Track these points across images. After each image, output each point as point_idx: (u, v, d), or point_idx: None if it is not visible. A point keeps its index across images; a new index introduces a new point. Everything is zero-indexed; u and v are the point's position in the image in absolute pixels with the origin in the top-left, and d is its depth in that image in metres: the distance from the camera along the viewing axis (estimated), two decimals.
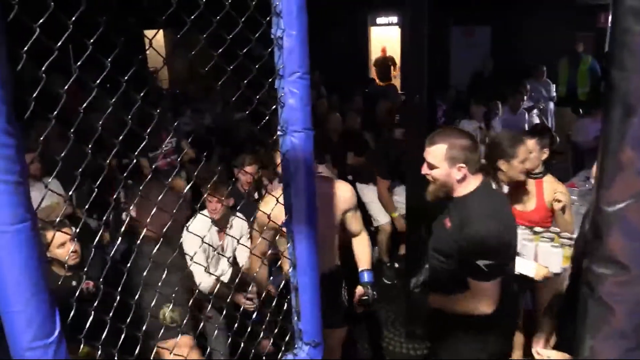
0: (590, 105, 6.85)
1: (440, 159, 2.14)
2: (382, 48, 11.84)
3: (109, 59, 1.06)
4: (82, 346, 1.38)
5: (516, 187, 3.12)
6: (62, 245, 2.62)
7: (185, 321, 1.80)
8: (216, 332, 2.97)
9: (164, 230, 1.36)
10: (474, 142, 2.18)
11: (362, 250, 2.95)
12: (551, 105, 8.10)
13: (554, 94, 8.26)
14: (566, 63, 8.79)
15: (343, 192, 2.84)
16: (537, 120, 7.10)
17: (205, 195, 2.93)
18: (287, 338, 1.66)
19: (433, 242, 2.37)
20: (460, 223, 2.13)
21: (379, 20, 12.34)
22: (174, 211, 1.45)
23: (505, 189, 3.09)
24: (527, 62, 8.60)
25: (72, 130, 1.03)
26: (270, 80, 1.36)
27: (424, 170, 2.22)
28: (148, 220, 1.28)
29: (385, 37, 12.36)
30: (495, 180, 2.92)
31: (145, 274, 1.31)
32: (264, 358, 1.59)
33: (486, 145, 3.10)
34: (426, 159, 2.20)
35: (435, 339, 2.52)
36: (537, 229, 3.00)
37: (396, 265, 5.03)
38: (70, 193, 1.29)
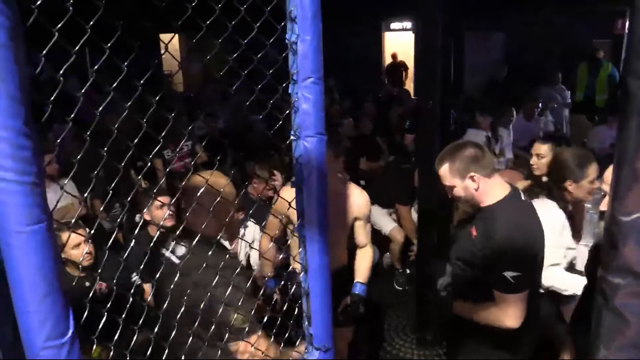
0: (607, 112, 6.79)
1: (450, 178, 2.16)
2: (393, 54, 11.78)
3: (126, 63, 1.07)
4: (94, 347, 1.39)
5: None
6: (77, 247, 2.66)
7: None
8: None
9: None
10: (475, 148, 2.17)
11: (361, 263, 2.91)
12: (566, 112, 8.03)
13: (569, 100, 8.18)
14: (585, 69, 8.72)
15: (358, 198, 2.83)
16: (551, 127, 7.04)
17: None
18: (297, 342, 1.66)
19: (457, 250, 2.34)
20: (486, 232, 2.10)
21: (393, 25, 12.35)
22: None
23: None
24: (542, 68, 8.55)
25: (88, 132, 1.04)
26: (284, 85, 1.37)
27: (449, 194, 2.24)
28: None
29: (399, 42, 12.36)
30: (562, 201, 2.77)
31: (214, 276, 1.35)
32: None
33: (550, 162, 2.92)
34: (443, 184, 2.22)
35: (454, 346, 2.49)
36: None
37: (407, 271, 5.02)
38: (85, 195, 1.30)
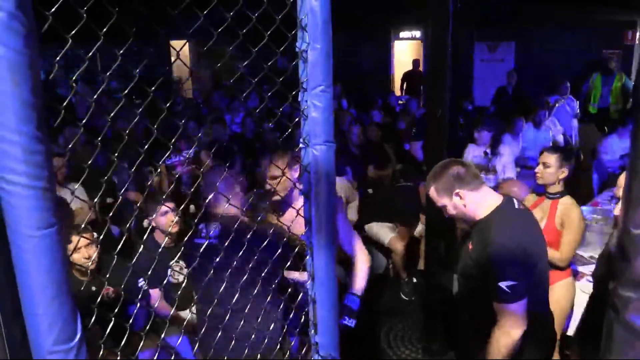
0: (618, 123, 6.75)
1: (439, 198, 2.23)
2: (414, 60, 11.49)
3: (137, 70, 1.08)
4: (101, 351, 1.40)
5: (533, 206, 3.07)
6: (79, 250, 2.67)
7: None
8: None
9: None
10: (457, 165, 2.22)
11: (354, 272, 2.74)
12: (575, 122, 7.99)
13: (578, 110, 8.15)
14: (599, 79, 8.68)
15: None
16: (561, 137, 7.01)
17: None
18: (303, 350, 1.65)
19: (459, 266, 2.36)
20: (480, 245, 2.12)
21: (402, 34, 12.37)
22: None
23: None
24: (551, 78, 8.52)
25: (99, 138, 1.05)
26: (293, 93, 1.37)
27: (445, 214, 2.30)
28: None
29: (408, 51, 12.38)
30: None
31: None
32: None
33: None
34: (436, 205, 2.29)
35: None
36: None
37: (414, 280, 4.99)
38: (95, 200, 1.31)
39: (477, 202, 2.18)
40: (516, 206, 2.22)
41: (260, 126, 6.27)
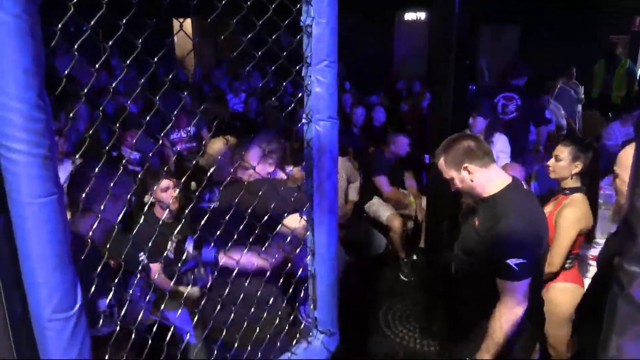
0: (622, 109, 6.70)
1: (447, 170, 2.22)
2: None
3: (140, 40, 1.06)
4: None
5: (547, 197, 3.02)
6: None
7: None
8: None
9: None
10: (469, 140, 2.21)
11: None
12: (579, 107, 7.94)
13: (582, 96, 8.09)
14: (603, 65, 8.60)
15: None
16: (563, 122, 6.97)
17: None
18: (302, 326, 1.67)
19: (461, 242, 2.35)
20: (489, 221, 2.11)
21: (407, 16, 12.23)
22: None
23: None
24: (557, 63, 8.45)
25: (100, 108, 1.04)
26: (297, 67, 1.36)
27: (452, 187, 2.28)
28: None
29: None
30: None
31: None
32: (278, 344, 1.59)
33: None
34: (444, 177, 2.28)
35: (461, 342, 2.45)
36: None
37: (414, 257, 5.00)
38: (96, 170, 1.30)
39: (486, 179, 2.17)
40: (525, 187, 2.22)
41: (263, 104, 6.24)
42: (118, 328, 1.20)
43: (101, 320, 1.44)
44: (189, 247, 2.29)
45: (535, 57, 9.12)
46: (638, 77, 8.66)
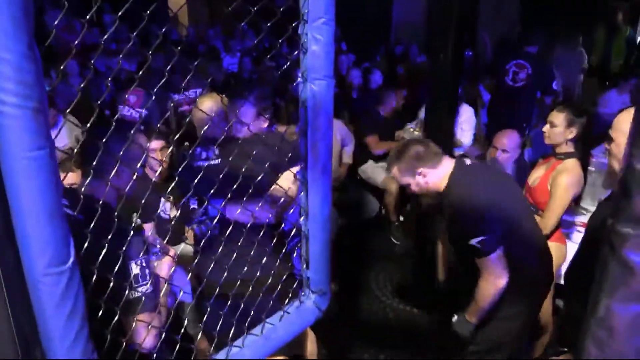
0: (620, 77, 6.65)
1: (402, 177, 2.36)
2: None
3: None
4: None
5: (540, 164, 3.05)
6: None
7: None
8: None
9: None
10: (417, 144, 2.35)
11: None
12: (581, 76, 7.84)
13: (586, 65, 7.98)
14: (603, 33, 8.48)
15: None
16: (558, 89, 6.92)
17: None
18: (294, 285, 1.68)
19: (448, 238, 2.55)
20: (447, 212, 2.29)
21: None
22: None
23: None
24: (557, 31, 8.31)
25: (92, 62, 1.02)
26: (293, 25, 1.33)
27: (409, 191, 2.44)
28: None
29: None
30: None
31: None
32: (271, 303, 1.61)
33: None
34: (400, 184, 2.45)
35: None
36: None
37: (401, 218, 5.03)
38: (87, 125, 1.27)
39: (438, 177, 2.31)
40: (467, 163, 2.37)
41: (258, 64, 6.15)
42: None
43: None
44: (194, 205, 2.34)
45: (535, 26, 8.99)
46: (637, 45, 8.57)
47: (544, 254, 2.46)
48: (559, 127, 2.90)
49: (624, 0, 9.06)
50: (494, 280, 2.21)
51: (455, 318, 2.44)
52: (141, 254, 1.49)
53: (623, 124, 1.75)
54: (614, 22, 8.37)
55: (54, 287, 0.92)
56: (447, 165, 2.32)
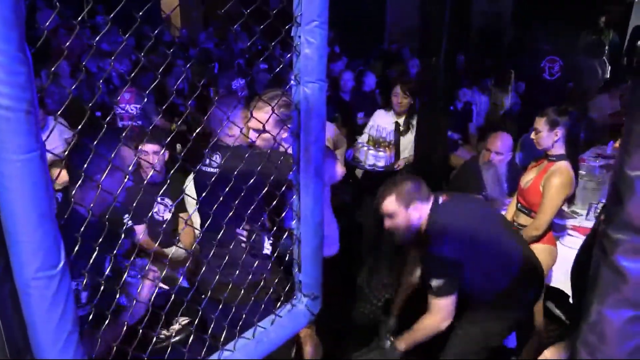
0: (608, 81, 6.70)
1: (396, 207, 2.39)
2: None
3: None
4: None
5: (532, 166, 3.08)
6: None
7: None
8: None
9: None
10: (414, 180, 2.44)
11: None
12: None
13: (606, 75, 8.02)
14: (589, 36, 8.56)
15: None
16: None
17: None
18: (286, 289, 1.68)
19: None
20: (423, 252, 2.41)
21: None
22: None
23: None
24: (550, 32, 8.36)
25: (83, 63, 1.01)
26: (287, 27, 1.33)
27: (386, 224, 2.48)
28: None
29: None
30: None
31: None
32: (262, 306, 1.60)
33: None
34: (384, 213, 2.45)
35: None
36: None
37: None
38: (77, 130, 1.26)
39: (425, 214, 2.41)
40: (440, 202, 2.43)
41: (251, 67, 6.14)
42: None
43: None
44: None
45: (528, 26, 9.05)
46: (624, 50, 8.65)
47: (530, 268, 2.52)
48: (543, 132, 2.95)
49: (611, 4, 9.14)
50: (438, 321, 2.37)
51: (386, 344, 2.62)
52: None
53: None
54: (598, 26, 8.45)
55: (45, 291, 0.91)
56: (427, 204, 2.42)
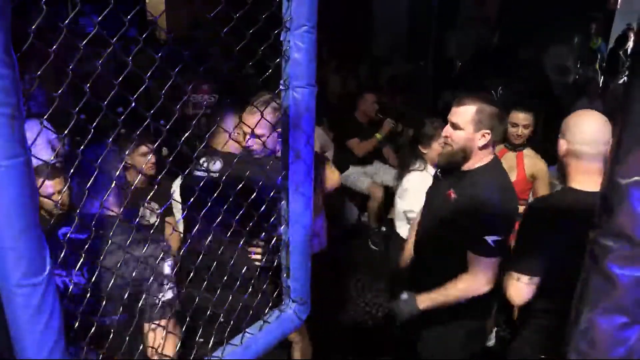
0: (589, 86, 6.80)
1: (466, 121, 2.07)
2: None
3: None
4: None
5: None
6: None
7: None
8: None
9: None
10: (502, 111, 2.12)
11: None
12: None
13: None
14: (576, 43, 8.69)
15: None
16: None
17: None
18: (274, 294, 1.67)
19: (429, 212, 2.32)
20: (470, 196, 2.06)
21: None
22: None
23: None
24: (535, 38, 8.44)
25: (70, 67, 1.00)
26: (276, 32, 1.32)
27: (446, 131, 2.15)
28: None
29: None
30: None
31: None
32: (251, 312, 1.59)
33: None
34: (450, 119, 2.13)
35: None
36: None
37: (383, 229, 5.07)
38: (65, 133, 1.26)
39: (481, 154, 2.11)
40: (502, 164, 2.21)
41: (239, 70, 6.10)
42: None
43: None
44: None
45: (515, 28, 9.11)
46: (605, 57, 8.80)
47: None
48: (519, 127, 3.17)
49: (599, 12, 9.27)
50: (480, 283, 2.07)
51: (404, 296, 2.22)
52: None
53: (563, 124, 1.88)
54: (588, 34, 8.59)
55: (29, 299, 0.90)
56: (488, 149, 2.14)
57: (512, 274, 1.86)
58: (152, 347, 1.54)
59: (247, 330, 1.49)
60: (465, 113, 2.07)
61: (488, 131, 2.06)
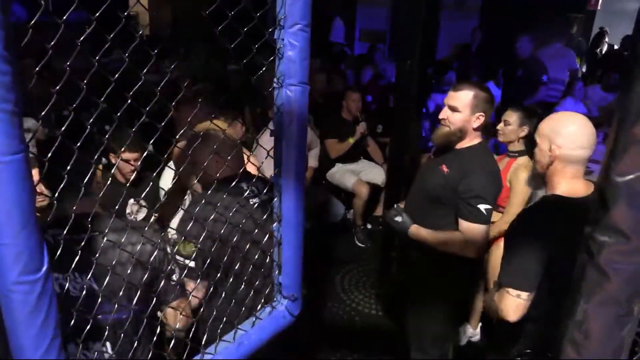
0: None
1: (464, 104, 2.30)
2: None
3: None
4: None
5: None
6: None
7: None
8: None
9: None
10: (492, 96, 2.36)
11: None
12: None
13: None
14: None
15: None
16: None
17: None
18: (266, 290, 1.68)
19: (421, 183, 2.52)
20: (462, 170, 2.29)
21: None
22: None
23: None
24: (515, 37, 8.54)
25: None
26: (270, 30, 1.33)
27: (444, 114, 2.36)
28: None
29: None
30: None
31: None
32: (243, 309, 1.60)
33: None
34: (449, 103, 2.35)
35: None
36: None
37: (369, 226, 5.11)
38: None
39: (472, 136, 2.35)
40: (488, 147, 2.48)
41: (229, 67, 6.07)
42: None
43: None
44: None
45: (495, 28, 9.21)
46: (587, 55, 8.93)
47: None
48: (512, 125, 3.10)
49: (577, 12, 9.41)
50: (470, 249, 2.27)
51: (398, 217, 2.47)
52: None
53: (546, 129, 1.88)
54: (569, 35, 8.69)
55: (27, 296, 0.89)
56: (481, 134, 2.39)
57: (508, 290, 1.77)
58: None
59: (239, 326, 1.50)
60: (463, 97, 2.30)
61: (482, 114, 2.30)
